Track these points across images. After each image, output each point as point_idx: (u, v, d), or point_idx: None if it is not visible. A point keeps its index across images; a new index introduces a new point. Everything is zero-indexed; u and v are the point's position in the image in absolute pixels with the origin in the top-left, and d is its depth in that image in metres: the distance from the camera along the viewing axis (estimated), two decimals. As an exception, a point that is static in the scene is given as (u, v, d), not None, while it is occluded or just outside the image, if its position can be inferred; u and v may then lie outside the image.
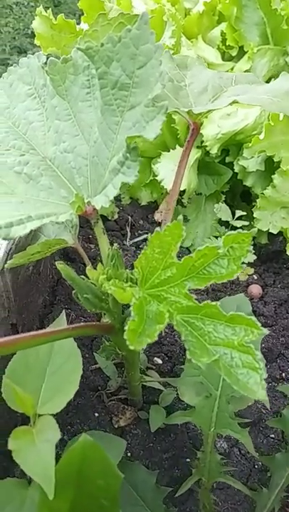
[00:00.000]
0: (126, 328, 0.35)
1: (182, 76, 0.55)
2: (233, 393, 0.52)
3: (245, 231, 0.41)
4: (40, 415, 0.42)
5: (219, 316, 0.40)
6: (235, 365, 0.38)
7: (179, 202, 1.15)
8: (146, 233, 1.11)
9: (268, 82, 1.23)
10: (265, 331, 0.38)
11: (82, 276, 0.43)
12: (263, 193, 0.88)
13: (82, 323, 0.43)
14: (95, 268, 0.45)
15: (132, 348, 0.33)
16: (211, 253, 0.41)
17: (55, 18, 1.11)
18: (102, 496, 0.36)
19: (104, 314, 0.47)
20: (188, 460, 0.69)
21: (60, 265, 0.41)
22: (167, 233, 0.41)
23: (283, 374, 0.82)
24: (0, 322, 0.57)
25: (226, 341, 0.39)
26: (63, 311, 0.52)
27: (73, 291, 0.44)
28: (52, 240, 0.52)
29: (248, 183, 1.00)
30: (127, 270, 0.45)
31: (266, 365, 0.83)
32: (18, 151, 0.50)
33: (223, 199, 1.08)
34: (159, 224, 1.16)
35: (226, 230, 0.97)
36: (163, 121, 0.37)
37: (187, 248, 1.07)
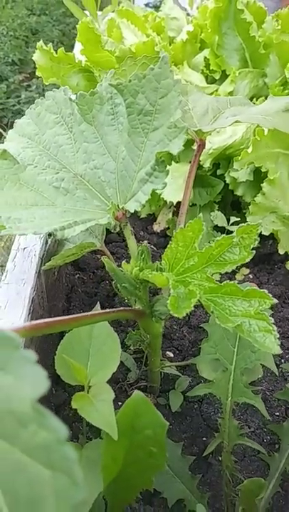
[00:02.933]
0: (160, 314, 0.44)
1: (185, 101, 0.65)
2: (246, 366, 0.61)
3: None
4: (90, 386, 0.50)
5: (237, 292, 0.49)
6: (253, 330, 0.47)
7: (175, 213, 1.25)
8: (148, 243, 1.20)
9: (251, 99, 1.35)
10: (275, 300, 0.47)
11: (121, 268, 0.52)
12: (254, 200, 0.99)
13: (120, 308, 0.51)
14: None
15: (175, 315, 0.42)
16: (226, 242, 0.50)
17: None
18: (151, 443, 0.44)
19: (135, 302, 0.55)
20: (204, 439, 0.77)
21: (105, 259, 0.50)
22: (189, 229, 0.50)
23: (282, 360, 0.91)
24: (39, 318, 0.65)
25: (244, 312, 0.48)
26: (98, 303, 0.60)
27: (113, 282, 0.52)
28: (85, 243, 0.61)
29: (239, 192, 1.10)
30: (156, 262, 0.54)
31: (267, 353, 0.92)
32: (53, 170, 0.59)
33: (217, 208, 1.18)
34: (158, 234, 1.25)
35: (222, 234, 1.07)
36: (184, 139, 0.47)
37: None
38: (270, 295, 0.48)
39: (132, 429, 0.44)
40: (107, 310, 0.48)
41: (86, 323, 0.44)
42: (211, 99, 0.66)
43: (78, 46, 1.25)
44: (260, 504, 0.55)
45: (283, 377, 0.87)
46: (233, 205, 1.26)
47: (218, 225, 1.06)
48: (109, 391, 0.47)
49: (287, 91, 1.09)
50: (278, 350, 0.45)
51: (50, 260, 0.62)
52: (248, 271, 1.08)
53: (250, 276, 1.07)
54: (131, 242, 0.56)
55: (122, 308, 0.51)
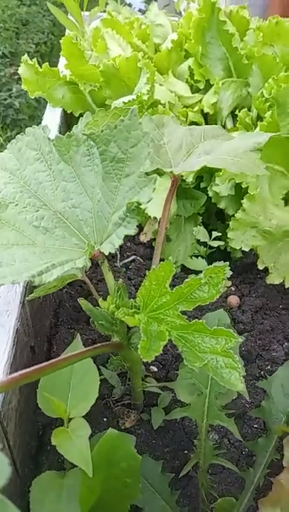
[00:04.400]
0: (137, 346, 0.47)
1: (161, 135, 0.68)
2: (219, 390, 0.65)
3: (221, 262, 0.54)
4: (70, 418, 0.53)
5: (205, 330, 0.52)
6: (220, 366, 0.51)
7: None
8: (135, 254, 1.23)
9: (233, 111, 1.38)
10: (241, 338, 0.50)
11: (98, 308, 0.55)
12: (234, 216, 1.02)
13: (98, 344, 0.54)
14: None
15: (144, 360, 0.45)
16: (195, 283, 0.53)
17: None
18: (126, 475, 0.48)
19: (114, 335, 0.59)
20: (186, 452, 0.81)
21: (81, 301, 0.53)
22: (161, 269, 0.54)
23: (262, 372, 0.95)
24: (23, 346, 0.68)
25: (211, 349, 0.52)
26: (78, 334, 0.63)
27: (90, 320, 0.56)
28: (66, 275, 0.64)
29: (222, 205, 1.13)
30: (131, 300, 0.57)
31: (247, 365, 0.96)
32: (34, 208, 0.62)
33: (201, 220, 1.21)
34: (144, 244, 1.28)
35: (205, 248, 1.10)
36: (153, 189, 0.49)
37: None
38: (236, 335, 0.51)
39: (108, 463, 0.48)
40: (85, 349, 0.51)
41: (63, 366, 0.47)
42: (185, 131, 0.69)
43: (63, 60, 1.27)
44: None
45: (263, 390, 0.91)
46: (218, 215, 1.29)
47: (201, 240, 1.09)
48: (86, 427, 0.50)
49: (270, 108, 1.11)
50: (242, 388, 0.48)
51: (32, 292, 0.64)
52: (230, 283, 1.11)
53: (233, 288, 1.10)
54: (108, 278, 0.59)
55: (99, 344, 0.54)
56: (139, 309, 0.55)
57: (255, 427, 0.85)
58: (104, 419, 0.83)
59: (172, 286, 1.12)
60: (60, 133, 1.20)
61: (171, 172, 0.59)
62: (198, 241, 1.11)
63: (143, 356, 0.45)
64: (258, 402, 0.88)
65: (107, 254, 0.53)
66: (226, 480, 0.78)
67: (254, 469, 0.70)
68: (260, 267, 1.02)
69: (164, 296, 0.54)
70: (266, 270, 1.06)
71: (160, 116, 0.70)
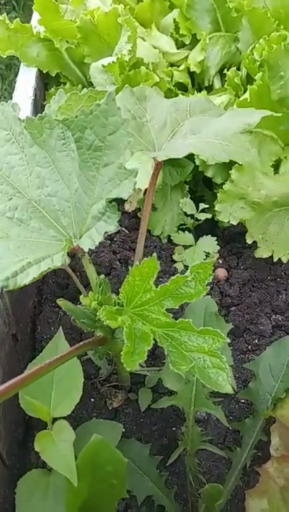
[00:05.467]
0: (122, 340, 0.46)
1: (143, 111, 0.63)
2: (206, 379, 0.64)
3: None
4: (54, 419, 0.52)
5: (191, 328, 0.50)
6: (207, 366, 0.49)
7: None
8: (119, 225, 1.19)
9: (221, 69, 1.30)
10: (228, 340, 0.49)
11: (79, 306, 0.52)
12: (222, 188, 0.98)
13: (81, 343, 0.52)
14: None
15: (128, 369, 0.43)
16: (180, 280, 0.50)
17: None
18: (112, 477, 0.47)
19: (97, 330, 0.56)
20: (174, 429, 0.82)
21: (60, 302, 0.50)
22: (145, 265, 0.50)
23: (249, 346, 0.95)
24: (4, 337, 0.66)
25: (198, 348, 0.50)
26: (60, 328, 0.61)
27: (71, 318, 0.53)
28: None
29: (209, 174, 1.09)
30: (114, 295, 0.54)
31: (234, 340, 0.95)
32: (6, 196, 0.57)
33: (187, 188, 1.16)
34: (129, 214, 1.24)
35: (192, 220, 1.07)
36: (134, 182, 0.45)
37: (158, 236, 1.16)
38: (223, 335, 0.49)
39: (93, 467, 0.47)
40: (67, 352, 0.49)
41: (43, 374, 0.45)
42: (169, 105, 0.64)
43: (36, 15, 1.16)
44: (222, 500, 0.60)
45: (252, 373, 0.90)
46: (206, 183, 1.24)
47: (187, 213, 1.05)
48: (70, 431, 0.49)
49: (261, 68, 1.04)
50: (230, 390, 0.47)
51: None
52: (217, 255, 1.08)
53: (220, 261, 1.08)
54: (90, 271, 0.56)
55: (82, 343, 0.52)
56: (122, 306, 0.52)
57: (242, 402, 0.86)
58: (92, 400, 0.83)
59: (159, 258, 1.09)
60: (35, 96, 1.12)
61: (155, 158, 0.55)
62: (185, 213, 1.07)
63: (126, 364, 0.43)
64: (246, 378, 0.89)
65: (86, 250, 0.50)
66: (213, 456, 0.79)
67: (241, 449, 0.71)
68: (249, 240, 0.99)
69: (149, 293, 0.52)
70: (255, 242, 1.03)
71: (142, 88, 0.65)
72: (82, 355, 0.88)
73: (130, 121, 0.57)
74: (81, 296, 0.53)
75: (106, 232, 0.48)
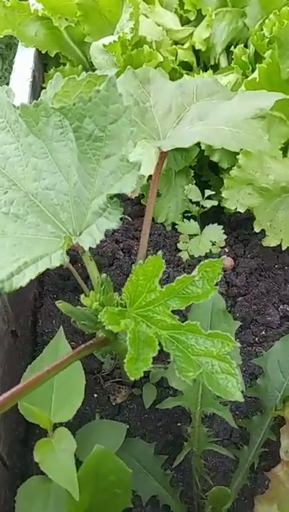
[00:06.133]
0: (126, 340, 0.43)
1: (146, 95, 0.58)
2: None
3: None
4: (55, 426, 0.49)
5: (199, 331, 0.47)
6: (215, 371, 0.46)
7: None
8: (122, 212, 1.15)
9: (228, 47, 1.24)
10: (237, 344, 0.46)
11: (79, 307, 0.49)
12: (229, 174, 0.93)
13: (82, 346, 0.49)
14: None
15: (132, 378, 0.40)
16: (187, 280, 0.47)
17: None
18: (115, 487, 0.45)
19: (99, 331, 0.53)
20: (179, 424, 0.80)
21: (59, 304, 0.47)
22: (149, 264, 0.47)
23: (256, 338, 0.92)
24: (3, 335, 0.64)
25: (206, 352, 0.47)
26: (61, 328, 0.58)
27: (72, 320, 0.50)
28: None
29: (215, 158, 1.04)
30: (116, 294, 0.51)
31: (241, 332, 0.93)
32: (2, 189, 0.54)
33: (193, 173, 1.12)
34: (132, 201, 1.20)
35: (197, 207, 1.03)
36: (138, 176, 0.42)
37: (162, 224, 1.12)
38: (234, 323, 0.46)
39: (95, 477, 0.44)
40: (68, 356, 0.46)
41: (43, 382, 0.42)
42: (175, 89, 0.59)
43: (33, -9, 1.10)
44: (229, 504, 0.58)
45: (256, 355, 0.88)
46: (211, 167, 1.20)
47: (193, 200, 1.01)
48: (71, 440, 0.46)
49: (270, 46, 0.99)
50: (240, 398, 0.44)
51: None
52: (224, 243, 1.05)
53: (226, 249, 1.05)
54: (91, 269, 0.52)
55: (83, 346, 0.49)
56: (125, 307, 0.49)
57: (249, 397, 0.84)
58: (95, 396, 0.81)
59: (163, 247, 1.05)
60: (34, 78, 1.07)
61: (159, 148, 0.51)
62: (190, 200, 1.03)
63: (130, 373, 0.40)
64: (252, 371, 0.86)
65: (87, 249, 0.46)
66: (219, 453, 0.77)
67: (248, 448, 0.68)
68: (257, 229, 0.95)
69: (153, 293, 0.49)
70: (263, 231, 1.00)
71: (145, 69, 0.60)
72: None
73: (133, 107, 0.53)
74: (82, 296, 0.50)
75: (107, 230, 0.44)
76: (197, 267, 0.47)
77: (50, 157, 0.52)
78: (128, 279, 0.49)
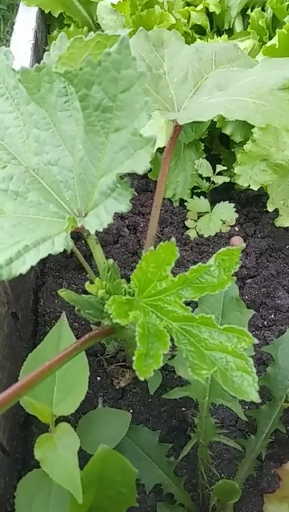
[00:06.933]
0: (133, 329, 0.39)
1: (160, 60, 0.53)
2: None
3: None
4: (57, 420, 0.46)
5: (214, 325, 0.43)
6: (230, 368, 0.43)
7: (159, 149, 1.13)
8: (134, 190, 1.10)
9: (244, 10, 1.15)
10: (255, 340, 0.42)
11: (84, 296, 0.45)
12: (242, 148, 0.88)
13: (86, 336, 0.46)
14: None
15: (141, 379, 0.37)
16: (202, 269, 0.43)
17: None
18: (120, 486, 0.43)
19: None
20: (183, 409, 0.77)
21: (62, 293, 0.43)
22: (161, 251, 0.43)
23: (265, 322, 0.89)
24: (2, 318, 0.60)
25: (220, 347, 0.43)
26: (63, 313, 0.55)
27: (76, 309, 0.46)
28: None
29: (227, 131, 0.98)
30: (124, 281, 0.47)
31: (249, 315, 0.89)
32: (0, 163, 0.49)
33: (203, 146, 1.06)
34: (138, 174, 1.14)
35: (207, 183, 0.98)
36: (152, 153, 0.37)
37: (169, 199, 1.07)
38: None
39: (100, 478, 0.42)
40: (71, 348, 0.42)
41: (45, 377, 0.39)
42: (191, 54, 0.53)
43: None
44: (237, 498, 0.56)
45: (265, 340, 0.85)
46: (222, 140, 1.14)
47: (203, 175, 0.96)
48: (74, 437, 0.43)
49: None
50: (257, 398, 0.41)
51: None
52: (234, 221, 1.00)
53: (236, 228, 1.00)
54: (97, 253, 0.48)
55: (87, 336, 0.45)
56: (133, 295, 0.45)
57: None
58: (98, 379, 0.79)
59: (170, 224, 1.00)
60: (36, 40, 1.00)
61: (175, 121, 0.46)
62: (200, 175, 0.98)
63: (140, 372, 0.37)
64: (260, 356, 0.84)
65: (93, 232, 0.42)
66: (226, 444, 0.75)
67: (256, 437, 0.66)
68: (270, 208, 0.91)
69: (164, 281, 0.45)
70: (276, 210, 0.95)
71: (159, 31, 0.54)
72: (88, 330, 0.82)
73: (147, 74, 0.48)
74: (87, 284, 0.46)
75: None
76: (214, 255, 0.43)
77: (53, 128, 0.47)
78: (137, 265, 0.45)
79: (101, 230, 0.42)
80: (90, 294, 0.46)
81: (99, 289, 0.45)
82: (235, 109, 0.42)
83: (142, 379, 0.37)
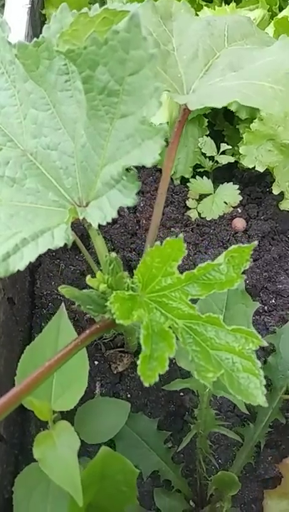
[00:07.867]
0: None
1: (168, 35, 0.49)
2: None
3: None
4: (56, 416, 0.45)
5: (220, 325, 0.41)
6: (236, 369, 0.41)
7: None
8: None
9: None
10: (264, 343, 0.40)
11: (85, 291, 0.43)
12: (249, 128, 0.84)
13: (87, 332, 0.44)
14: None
15: (146, 384, 0.35)
16: (210, 267, 0.41)
17: None
18: (122, 485, 0.42)
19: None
20: (181, 394, 0.77)
21: (62, 290, 0.41)
22: (167, 247, 0.41)
23: (266, 307, 0.88)
24: (-2, 305, 0.58)
25: (227, 347, 0.42)
26: (62, 305, 0.53)
27: (76, 304, 0.44)
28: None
29: (233, 108, 0.94)
30: (127, 275, 0.45)
31: (250, 300, 0.88)
32: (-5, 145, 0.46)
33: (206, 122, 1.02)
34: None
35: (210, 162, 0.94)
36: (162, 144, 0.34)
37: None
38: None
39: (101, 478, 0.41)
40: (71, 346, 0.41)
41: (46, 378, 0.37)
42: (202, 28, 0.49)
43: None
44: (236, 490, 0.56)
45: (265, 327, 0.84)
46: (226, 115, 1.09)
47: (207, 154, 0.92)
48: (73, 436, 0.42)
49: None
50: (263, 402, 0.40)
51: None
52: (237, 202, 0.97)
53: (239, 210, 0.97)
54: (99, 245, 0.46)
55: (88, 332, 0.44)
56: (136, 291, 0.43)
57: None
58: (96, 363, 0.77)
59: (170, 203, 0.98)
60: (33, 4, 0.93)
61: (185, 105, 0.42)
62: (203, 153, 0.94)
63: (144, 377, 0.35)
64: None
65: (95, 226, 0.39)
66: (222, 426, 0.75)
67: (254, 426, 0.66)
68: (276, 191, 0.88)
69: (170, 277, 0.43)
70: (280, 193, 0.92)
71: (167, 2, 0.50)
72: (85, 313, 0.81)
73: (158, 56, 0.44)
74: (87, 278, 0.43)
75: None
76: (223, 253, 0.40)
77: (52, 110, 0.43)
78: (141, 260, 0.43)
79: (104, 223, 0.39)
80: (92, 288, 0.44)
81: (100, 283, 0.43)
82: (252, 94, 0.39)
83: (146, 385, 0.35)
